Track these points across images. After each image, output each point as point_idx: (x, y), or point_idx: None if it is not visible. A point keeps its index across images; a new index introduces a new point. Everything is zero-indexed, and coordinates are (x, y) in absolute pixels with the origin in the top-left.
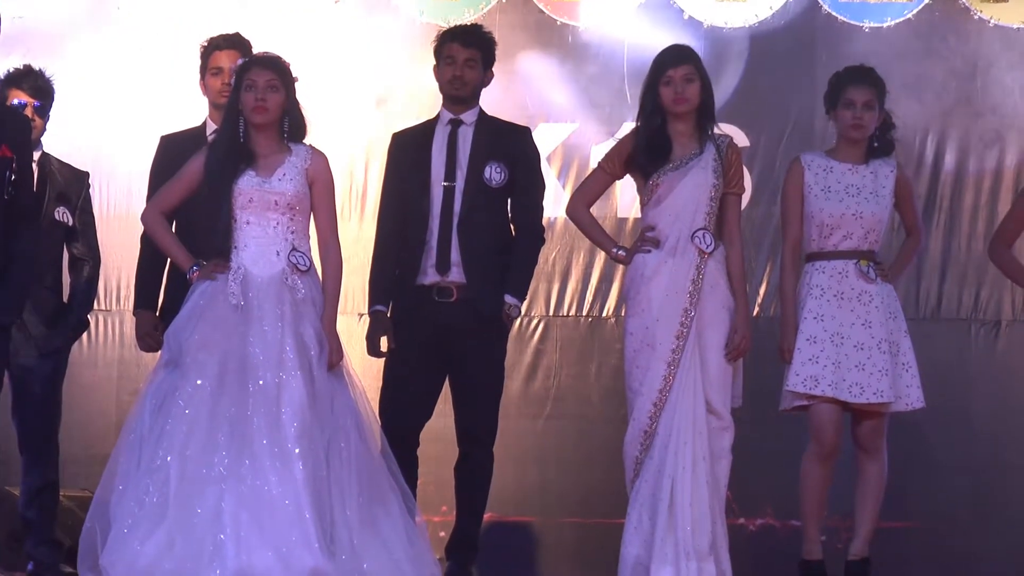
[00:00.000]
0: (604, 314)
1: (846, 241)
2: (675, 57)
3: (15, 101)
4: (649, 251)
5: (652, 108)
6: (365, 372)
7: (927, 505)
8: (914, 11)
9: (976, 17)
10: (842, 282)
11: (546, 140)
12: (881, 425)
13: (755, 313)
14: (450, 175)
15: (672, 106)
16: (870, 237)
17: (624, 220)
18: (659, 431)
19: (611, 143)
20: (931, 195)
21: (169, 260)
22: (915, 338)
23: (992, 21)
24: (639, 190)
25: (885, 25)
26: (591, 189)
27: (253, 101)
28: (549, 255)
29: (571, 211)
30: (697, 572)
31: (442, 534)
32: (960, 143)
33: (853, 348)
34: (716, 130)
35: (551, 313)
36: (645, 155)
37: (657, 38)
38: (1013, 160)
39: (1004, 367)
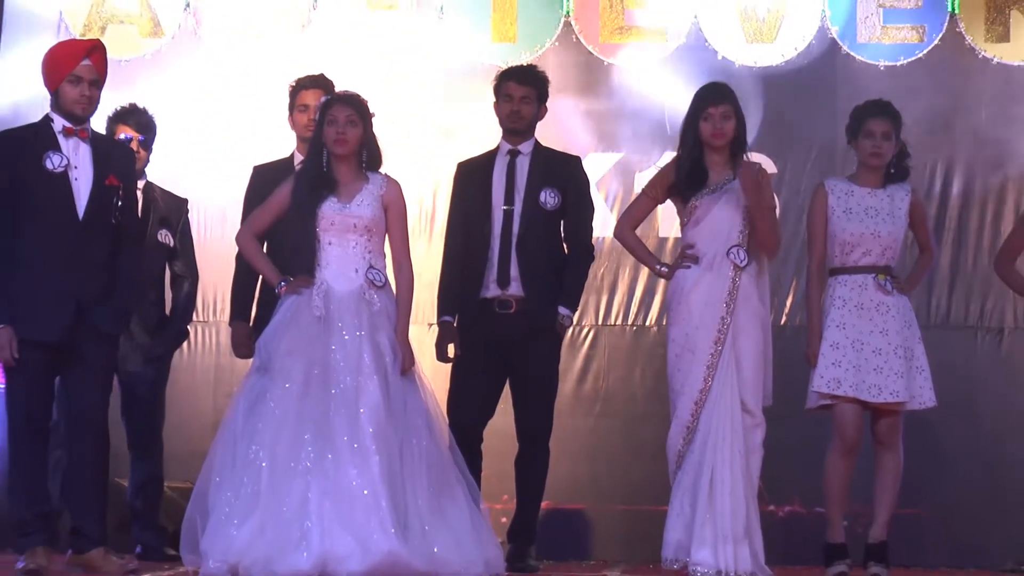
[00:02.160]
0: (648, 323)
1: (866, 257)
2: (716, 96)
3: (122, 135)
4: (689, 267)
5: (693, 140)
6: (434, 376)
7: (938, 494)
8: (925, 51)
9: (981, 56)
10: (862, 294)
11: (595, 168)
12: (897, 422)
13: (783, 322)
14: (509, 200)
15: (711, 140)
16: (887, 254)
17: (665, 239)
18: (699, 427)
19: (653, 170)
20: (941, 216)
21: (260, 276)
22: (927, 344)
23: (995, 60)
24: (679, 212)
25: (899, 64)
26: (636, 213)
27: (335, 134)
28: (598, 271)
29: (618, 233)
30: (733, 554)
31: (504, 520)
32: (967, 169)
33: (872, 353)
34: (746, 158)
35: (600, 323)
36: (685, 182)
37: (694, 77)
38: (1014, 185)
39: (1007, 370)
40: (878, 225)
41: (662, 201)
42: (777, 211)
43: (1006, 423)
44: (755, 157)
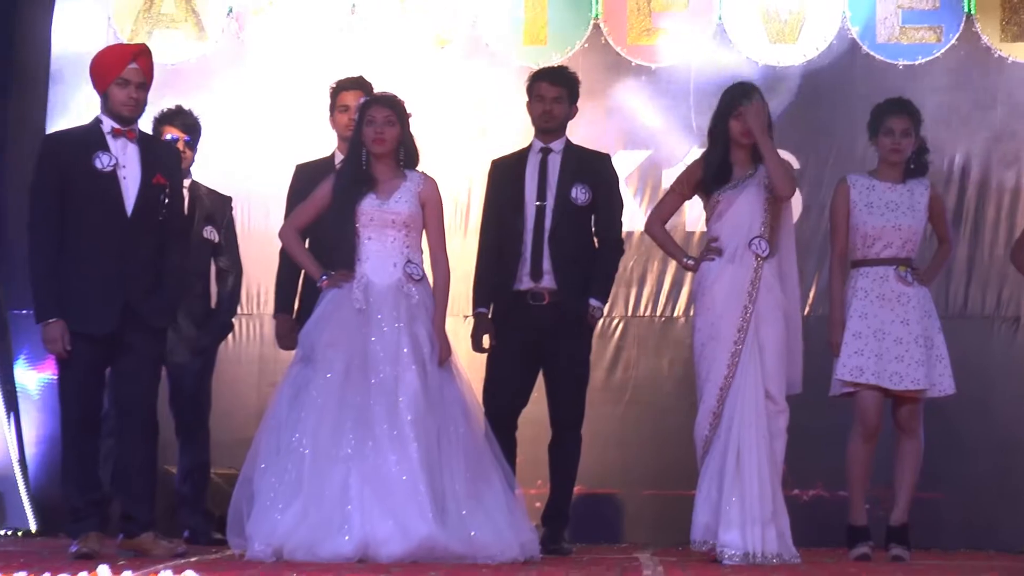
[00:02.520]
0: (675, 314)
1: (887, 250)
2: (746, 95)
3: (168, 136)
4: (713, 259)
5: (721, 137)
6: (470, 366)
7: (957, 479)
8: (942, 50)
9: (996, 55)
10: (883, 285)
11: (624, 164)
12: (918, 409)
13: (806, 312)
14: (541, 196)
15: (740, 137)
16: (907, 246)
17: (691, 233)
18: (724, 413)
19: (680, 167)
20: (958, 209)
21: (303, 270)
22: (945, 333)
23: (1010, 59)
24: (704, 207)
25: (917, 63)
26: (665, 209)
27: (373, 134)
28: (627, 264)
29: (648, 228)
30: (760, 535)
31: (537, 504)
32: (983, 164)
33: (893, 342)
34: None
35: (629, 314)
36: (711, 177)
37: (719, 76)
38: None
39: (1022, 358)
40: (899, 219)
41: (690, 197)
42: (799, 204)
43: (1021, 409)
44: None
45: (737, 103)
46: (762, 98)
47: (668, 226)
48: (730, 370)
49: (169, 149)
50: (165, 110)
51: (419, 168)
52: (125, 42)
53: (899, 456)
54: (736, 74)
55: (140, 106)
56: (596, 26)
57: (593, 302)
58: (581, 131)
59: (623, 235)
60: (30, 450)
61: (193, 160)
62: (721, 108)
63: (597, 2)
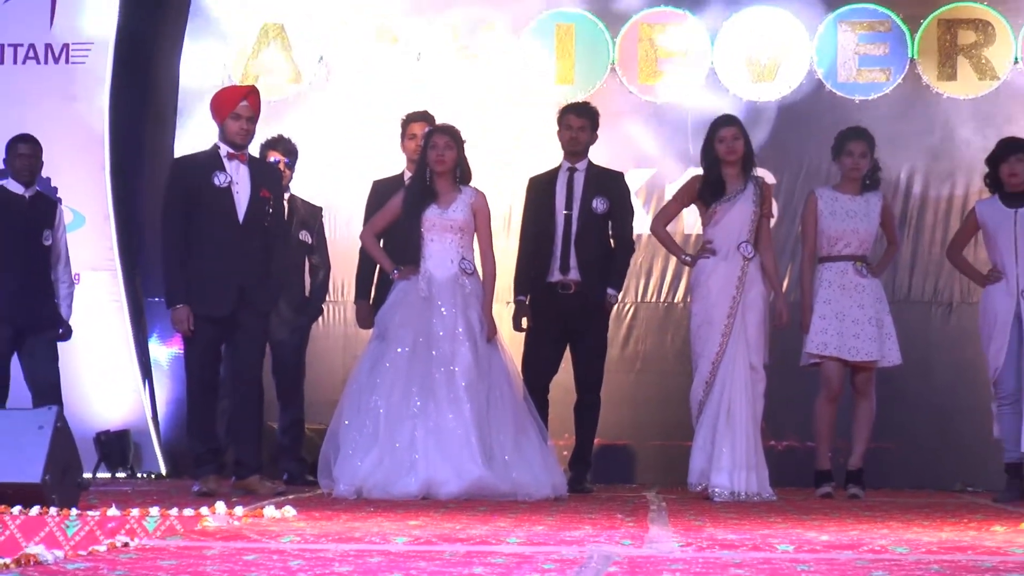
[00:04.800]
0: (676, 301)
1: (847, 248)
2: (726, 122)
3: (272, 159)
4: (708, 257)
5: (711, 159)
6: (512, 343)
7: (902, 432)
8: (890, 88)
9: (934, 92)
10: (844, 277)
11: (635, 180)
12: (871, 376)
13: None
14: (568, 206)
15: (725, 156)
16: (863, 246)
17: (689, 236)
18: (716, 381)
19: (679, 182)
20: (903, 215)
21: (378, 266)
22: (893, 315)
23: (945, 95)
24: (701, 215)
25: (871, 98)
26: (667, 213)
27: (436, 156)
28: (637, 260)
29: (653, 229)
30: (745, 478)
31: (565, 453)
32: (924, 179)
33: (851, 323)
34: (755, 171)
35: (639, 300)
36: (708, 192)
37: (711, 109)
38: (961, 191)
39: (955, 335)
40: (856, 224)
41: (687, 205)
42: (776, 214)
43: (954, 377)
44: (758, 171)
45: (718, 129)
46: (741, 125)
47: (669, 229)
48: (721, 347)
49: (273, 169)
50: (269, 138)
51: (472, 184)
52: (238, 83)
53: (856, 414)
54: (725, 108)
55: (250, 135)
56: (613, 70)
57: (610, 291)
58: (600, 153)
59: (634, 237)
60: (161, 409)
61: (291, 178)
62: (707, 136)
63: (614, 51)
